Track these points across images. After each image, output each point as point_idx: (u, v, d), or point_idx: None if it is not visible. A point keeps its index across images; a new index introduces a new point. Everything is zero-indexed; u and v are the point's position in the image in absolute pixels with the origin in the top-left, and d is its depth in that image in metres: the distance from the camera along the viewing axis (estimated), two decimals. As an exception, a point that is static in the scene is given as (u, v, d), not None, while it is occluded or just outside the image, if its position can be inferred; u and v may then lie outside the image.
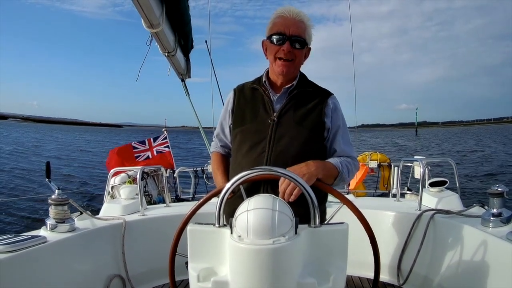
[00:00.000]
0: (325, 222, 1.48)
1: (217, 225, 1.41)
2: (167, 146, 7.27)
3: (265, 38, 2.02)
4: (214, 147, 2.34)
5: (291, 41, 1.90)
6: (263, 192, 1.84)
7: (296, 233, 1.32)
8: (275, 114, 1.98)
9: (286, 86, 2.01)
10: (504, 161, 23.82)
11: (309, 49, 2.04)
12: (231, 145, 2.19)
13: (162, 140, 7.31)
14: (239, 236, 1.29)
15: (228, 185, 1.41)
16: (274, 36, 1.92)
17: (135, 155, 7.04)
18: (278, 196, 1.64)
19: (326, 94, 2.06)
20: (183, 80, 4.40)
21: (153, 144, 7.24)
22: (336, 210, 1.58)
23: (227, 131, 2.21)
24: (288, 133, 1.93)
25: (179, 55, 3.81)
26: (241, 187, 1.68)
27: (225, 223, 1.42)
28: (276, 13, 1.96)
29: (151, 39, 3.36)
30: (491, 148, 36.75)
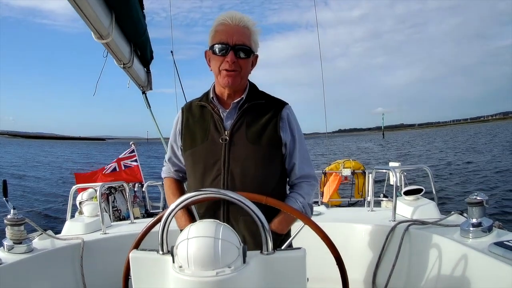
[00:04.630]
0: (282, 247, 1.35)
1: (160, 252, 1.27)
2: (135, 160, 7.15)
3: (208, 49, 1.84)
4: (166, 173, 2.15)
5: (235, 50, 1.73)
6: (223, 217, 1.75)
7: (244, 262, 1.18)
8: (226, 132, 1.81)
9: (235, 101, 1.84)
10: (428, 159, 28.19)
11: (256, 56, 1.88)
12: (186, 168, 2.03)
13: (130, 153, 7.19)
14: (180, 267, 1.16)
15: (171, 207, 1.27)
16: (217, 46, 1.75)
17: (103, 171, 6.97)
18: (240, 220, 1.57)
19: (280, 105, 1.90)
20: (144, 93, 4.23)
21: (120, 157, 7.17)
22: (297, 232, 1.46)
23: (179, 153, 2.04)
24: (243, 153, 1.78)
25: (138, 66, 3.64)
26: (194, 209, 1.57)
27: (169, 249, 1.27)
28: (218, 20, 1.78)
29: (107, 51, 3.17)
30: (438, 149, 41.57)
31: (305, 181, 1.91)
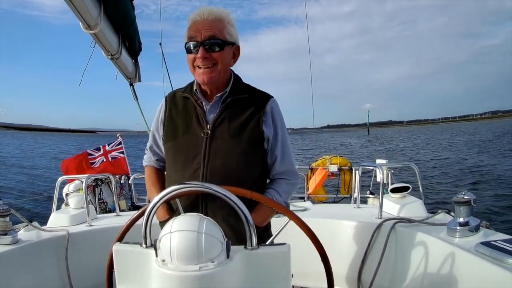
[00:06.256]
0: (267, 243, 1.33)
1: (144, 245, 1.27)
2: (122, 152, 7.14)
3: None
4: (147, 161, 2.13)
5: (205, 45, 1.69)
6: (202, 210, 1.73)
7: (228, 257, 1.17)
8: (208, 126, 1.79)
9: (218, 95, 1.82)
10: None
11: (238, 47, 1.83)
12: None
13: (117, 145, 7.18)
14: (163, 261, 1.15)
15: (155, 200, 1.26)
16: (189, 43, 1.73)
17: (90, 161, 6.93)
18: (218, 214, 1.56)
19: (264, 99, 1.87)
20: (131, 84, 4.20)
21: (108, 149, 7.13)
22: (281, 227, 1.43)
23: (161, 143, 2.00)
24: (224, 147, 1.76)
25: (125, 58, 3.61)
26: (178, 202, 1.53)
27: (152, 243, 1.26)
28: (189, 18, 1.76)
29: (95, 42, 3.14)
30: (415, 146, 43.33)
31: (285, 178, 1.92)
